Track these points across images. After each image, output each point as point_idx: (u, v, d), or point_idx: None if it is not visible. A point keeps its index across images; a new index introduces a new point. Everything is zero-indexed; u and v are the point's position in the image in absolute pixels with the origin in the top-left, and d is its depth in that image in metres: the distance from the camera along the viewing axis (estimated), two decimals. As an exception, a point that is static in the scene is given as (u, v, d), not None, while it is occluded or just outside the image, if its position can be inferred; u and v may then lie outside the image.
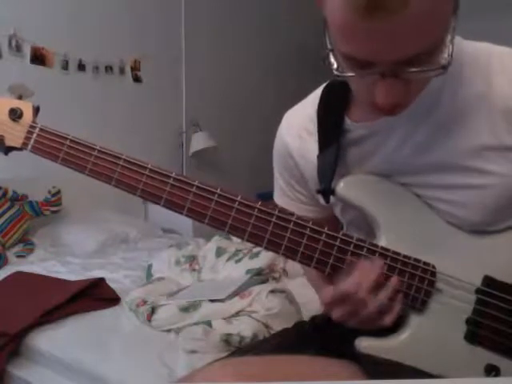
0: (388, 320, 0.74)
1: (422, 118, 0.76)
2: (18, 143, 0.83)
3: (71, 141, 0.82)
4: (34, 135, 0.83)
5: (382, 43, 0.59)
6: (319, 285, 0.89)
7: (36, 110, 0.85)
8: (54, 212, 2.76)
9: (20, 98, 0.86)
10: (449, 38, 0.62)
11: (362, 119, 0.80)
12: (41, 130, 0.83)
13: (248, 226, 0.77)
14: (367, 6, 0.56)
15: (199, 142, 3.69)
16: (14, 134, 0.83)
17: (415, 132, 0.76)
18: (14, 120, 0.83)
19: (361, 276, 0.73)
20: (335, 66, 0.66)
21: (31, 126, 0.83)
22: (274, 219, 0.77)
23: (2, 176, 2.51)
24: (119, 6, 3.28)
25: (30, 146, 0.83)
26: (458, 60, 0.72)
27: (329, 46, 0.65)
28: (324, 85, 0.88)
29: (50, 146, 0.82)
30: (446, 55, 0.62)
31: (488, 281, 0.76)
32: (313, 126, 0.86)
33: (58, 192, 2.75)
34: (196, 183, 0.78)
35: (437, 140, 0.75)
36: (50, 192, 2.73)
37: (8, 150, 0.85)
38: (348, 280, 0.73)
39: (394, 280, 0.75)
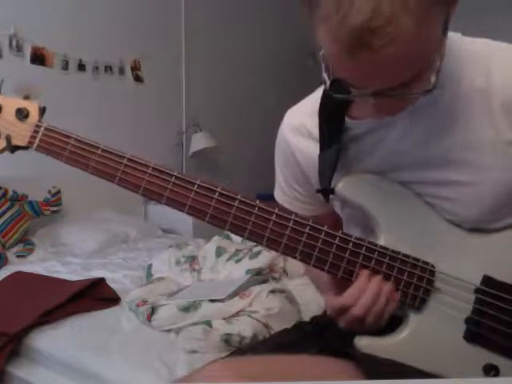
0: (386, 317, 0.76)
1: (422, 114, 0.76)
2: (24, 142, 0.85)
3: (75, 140, 0.84)
4: (40, 134, 0.84)
5: (367, 75, 0.63)
6: (322, 286, 0.89)
7: (42, 111, 0.87)
8: (54, 212, 2.76)
9: (27, 98, 0.87)
10: (436, 60, 0.64)
11: (362, 116, 0.81)
12: (46, 129, 0.84)
13: (248, 225, 0.78)
14: (351, 45, 0.59)
15: (199, 141, 3.69)
16: (21, 134, 0.85)
17: (414, 127, 0.77)
18: (20, 120, 0.85)
19: (356, 294, 0.75)
20: (328, 84, 0.70)
21: (37, 126, 0.85)
22: (273, 217, 0.78)
23: (2, 176, 2.51)
24: (119, 6, 3.28)
25: (35, 145, 0.85)
26: (457, 56, 0.73)
27: (322, 64, 0.68)
28: None
29: (55, 144, 0.84)
30: (433, 77, 0.65)
31: (487, 280, 0.76)
32: (313, 126, 0.86)
33: (58, 192, 2.75)
34: (197, 182, 0.80)
35: (436, 135, 0.76)
36: (50, 192, 2.74)
37: (14, 148, 0.87)
38: (346, 294, 0.76)
39: (388, 288, 0.76)
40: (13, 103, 0.86)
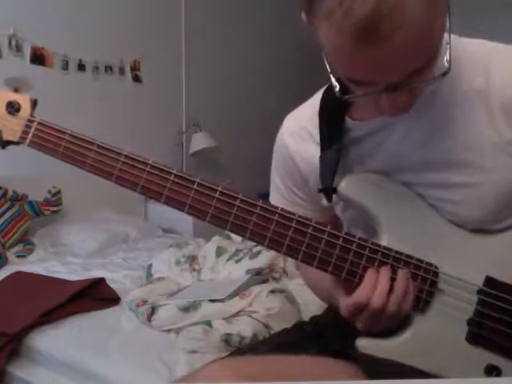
0: (406, 308, 0.74)
1: (422, 115, 0.76)
2: (15, 137, 0.80)
3: (70, 135, 0.79)
4: (32, 129, 0.80)
5: (377, 67, 0.60)
6: (327, 288, 0.86)
7: (34, 103, 0.82)
8: (54, 212, 2.76)
9: (16, 90, 0.84)
10: (444, 45, 0.63)
11: (363, 118, 0.80)
12: (39, 123, 0.80)
13: (250, 224, 0.76)
14: (359, 34, 0.57)
15: (199, 141, 3.69)
16: (12, 128, 0.80)
17: (415, 129, 0.77)
18: (11, 113, 0.80)
19: (370, 286, 0.73)
20: (337, 89, 0.68)
21: (29, 120, 0.80)
22: (276, 217, 0.76)
23: (2, 176, 2.51)
24: (119, 6, 3.28)
25: (27, 141, 0.80)
26: (455, 57, 0.73)
27: (328, 69, 0.67)
28: (325, 87, 0.88)
29: (49, 140, 0.79)
30: (444, 62, 0.64)
31: (490, 281, 0.76)
32: (314, 127, 0.86)
33: (58, 192, 2.75)
34: (198, 180, 0.77)
35: (436, 137, 0.75)
36: (50, 192, 2.73)
37: (5, 144, 0.82)
38: (358, 292, 0.73)
39: (403, 278, 0.74)
40: (3, 96, 0.81)
